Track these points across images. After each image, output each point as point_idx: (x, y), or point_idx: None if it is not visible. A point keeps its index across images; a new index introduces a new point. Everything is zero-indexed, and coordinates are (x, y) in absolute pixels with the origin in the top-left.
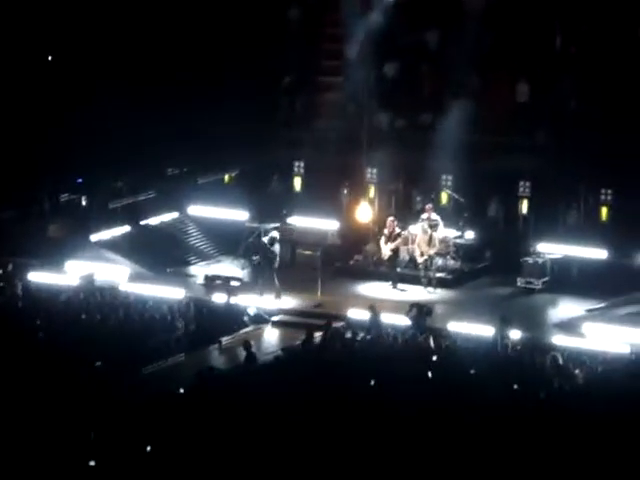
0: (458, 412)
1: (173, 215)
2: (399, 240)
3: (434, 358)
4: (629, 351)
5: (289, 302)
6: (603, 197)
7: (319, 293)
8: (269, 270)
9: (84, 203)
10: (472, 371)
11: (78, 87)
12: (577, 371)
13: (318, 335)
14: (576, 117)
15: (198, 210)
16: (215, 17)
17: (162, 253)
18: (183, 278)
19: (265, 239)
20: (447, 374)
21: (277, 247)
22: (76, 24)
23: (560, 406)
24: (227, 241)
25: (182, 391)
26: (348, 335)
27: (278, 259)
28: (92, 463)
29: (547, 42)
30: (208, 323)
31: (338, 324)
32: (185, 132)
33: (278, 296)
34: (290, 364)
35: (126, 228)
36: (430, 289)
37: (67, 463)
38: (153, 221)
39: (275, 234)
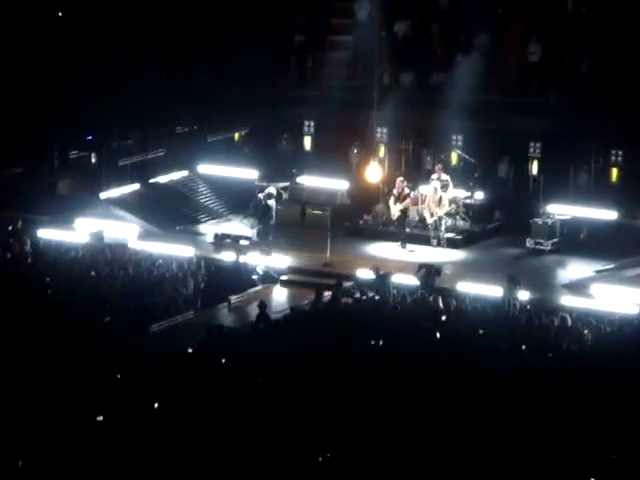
0: (466, 372)
1: (183, 173)
2: (408, 200)
3: (443, 318)
4: (638, 312)
5: (298, 261)
6: (613, 158)
7: (328, 253)
8: (266, 226)
9: (94, 160)
10: (481, 331)
11: (88, 45)
12: (585, 332)
13: (327, 295)
14: (587, 78)
15: (208, 168)
16: None
17: (172, 211)
18: (193, 236)
19: (261, 195)
20: (456, 334)
21: (273, 202)
22: None
23: (568, 367)
24: (237, 200)
25: (191, 350)
26: (357, 295)
27: (274, 215)
28: (100, 418)
29: (559, 2)
30: (217, 282)
31: (347, 284)
32: (196, 91)
33: (268, 253)
34: (299, 323)
35: (136, 186)
36: (439, 249)
37: (75, 418)
38: (163, 179)
39: (272, 190)
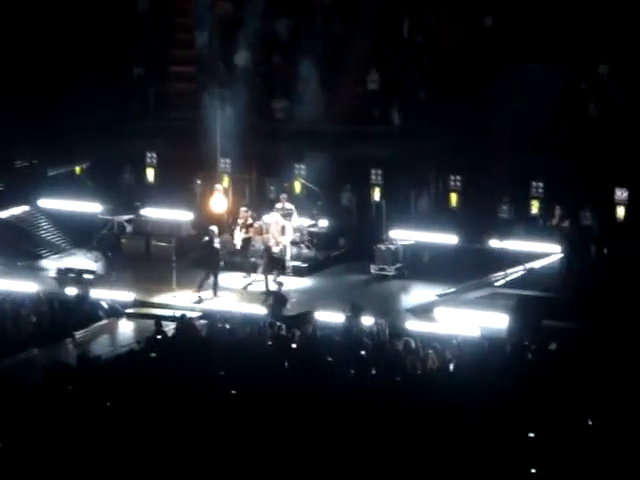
0: (316, 399)
1: (23, 208)
2: (251, 230)
3: (291, 346)
4: (479, 334)
5: (143, 294)
6: (452, 183)
7: (174, 284)
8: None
9: None
10: (329, 359)
11: None
12: (430, 353)
13: (172, 327)
14: (425, 105)
15: (49, 203)
16: (65, 6)
17: (12, 247)
18: (35, 272)
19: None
20: (304, 362)
21: None
22: None
23: (414, 390)
24: (80, 234)
25: (33, 386)
26: (204, 325)
27: None
28: None
29: (394, 31)
30: (61, 317)
31: (194, 315)
32: (34, 124)
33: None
34: (145, 356)
35: None
36: (285, 278)
37: None
38: (2, 214)
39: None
